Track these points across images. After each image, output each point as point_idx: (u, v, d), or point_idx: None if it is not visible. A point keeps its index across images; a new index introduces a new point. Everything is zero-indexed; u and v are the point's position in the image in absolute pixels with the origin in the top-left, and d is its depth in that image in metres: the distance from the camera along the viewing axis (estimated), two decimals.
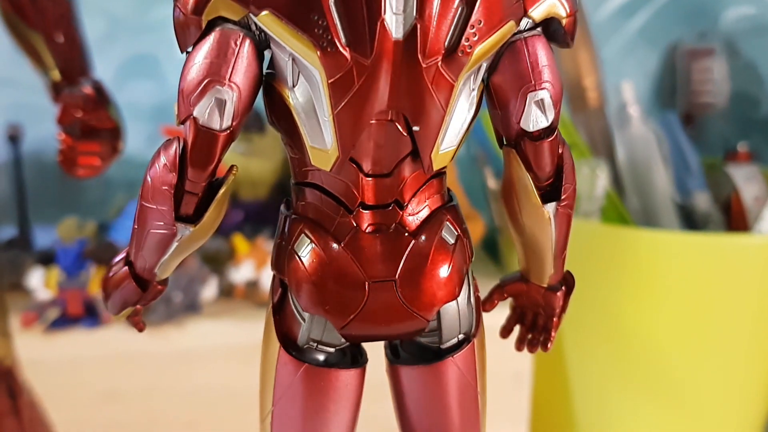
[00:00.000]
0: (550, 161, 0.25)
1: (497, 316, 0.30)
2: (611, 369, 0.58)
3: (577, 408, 0.61)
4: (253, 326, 0.54)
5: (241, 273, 0.57)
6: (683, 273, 0.54)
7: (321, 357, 0.26)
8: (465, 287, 0.26)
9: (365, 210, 0.24)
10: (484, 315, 0.28)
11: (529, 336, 0.30)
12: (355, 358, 0.27)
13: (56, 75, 0.37)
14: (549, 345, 0.29)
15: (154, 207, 0.23)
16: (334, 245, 0.24)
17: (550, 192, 0.25)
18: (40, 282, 0.52)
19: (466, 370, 0.26)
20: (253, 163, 0.61)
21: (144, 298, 0.27)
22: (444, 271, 0.25)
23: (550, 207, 0.25)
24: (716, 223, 0.60)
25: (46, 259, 0.56)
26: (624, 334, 0.56)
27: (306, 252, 0.25)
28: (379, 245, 0.24)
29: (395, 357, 0.27)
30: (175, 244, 0.24)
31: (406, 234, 0.25)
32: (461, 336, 0.26)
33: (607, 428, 0.60)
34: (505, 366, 0.58)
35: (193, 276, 0.54)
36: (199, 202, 0.24)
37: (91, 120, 0.36)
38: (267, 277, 0.57)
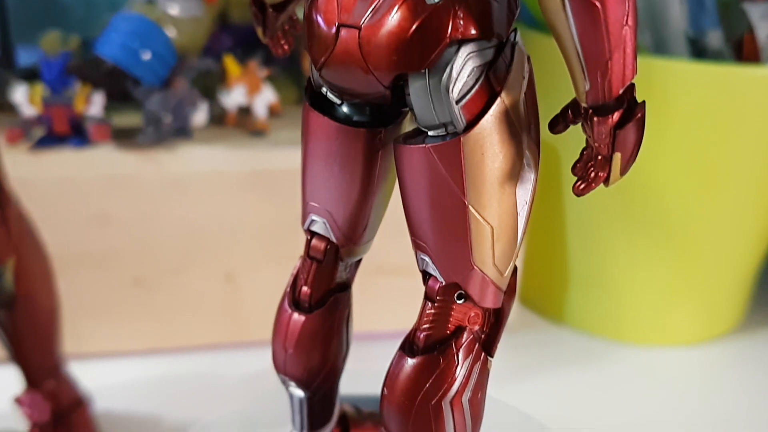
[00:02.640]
0: None
1: None
2: (608, 205, 0.58)
3: (569, 246, 0.61)
4: (245, 154, 0.54)
5: (233, 97, 0.55)
6: (692, 105, 0.52)
7: (342, 109, 0.26)
8: (446, 69, 0.22)
9: None
10: None
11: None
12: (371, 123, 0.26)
13: None
14: (582, 187, 0.24)
15: None
16: None
17: None
18: (24, 97, 0.50)
19: (446, 168, 0.23)
20: None
21: (266, 23, 0.28)
22: (406, 30, 0.22)
23: None
24: (728, 62, 0.58)
25: (30, 76, 0.54)
26: None
27: None
28: None
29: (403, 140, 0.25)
30: None
31: None
32: (448, 129, 0.23)
33: (600, 267, 0.61)
34: None
35: (182, 98, 0.52)
36: None
37: None
38: (260, 104, 0.56)
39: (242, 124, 0.57)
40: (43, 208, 0.51)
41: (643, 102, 0.23)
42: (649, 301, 0.60)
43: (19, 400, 0.41)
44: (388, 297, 0.56)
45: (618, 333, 0.62)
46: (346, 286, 0.30)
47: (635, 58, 0.22)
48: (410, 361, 0.25)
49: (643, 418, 0.53)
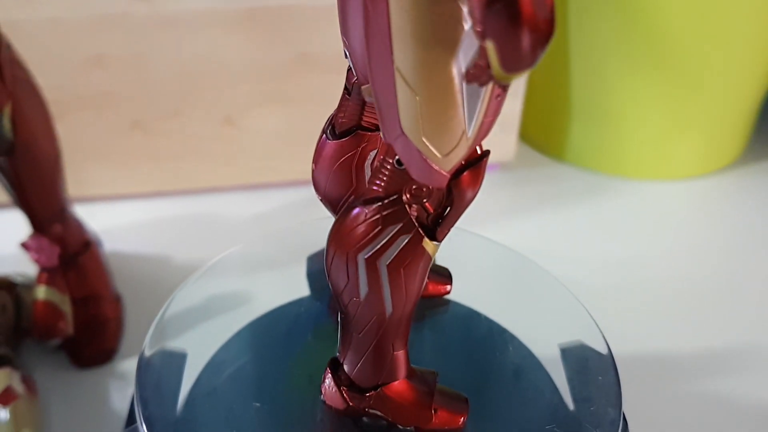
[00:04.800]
0: None
1: None
2: (612, 40, 0.56)
3: (572, 82, 0.60)
4: None
5: None
6: None
7: None
8: None
9: None
10: None
11: None
12: None
13: None
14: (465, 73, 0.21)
15: None
16: None
17: None
18: None
19: (376, 18, 0.21)
20: None
21: None
22: None
23: None
24: None
25: None
26: (630, 2, 0.54)
27: None
28: None
29: None
30: None
31: None
32: None
33: (602, 103, 0.60)
34: None
35: None
36: None
37: None
38: None
39: None
40: (37, 51, 0.50)
41: None
42: (651, 134, 0.60)
43: (25, 245, 0.42)
44: None
45: (620, 168, 0.62)
46: (378, 128, 0.30)
47: None
48: (349, 208, 0.26)
49: (646, 250, 0.55)
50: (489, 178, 0.61)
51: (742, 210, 0.59)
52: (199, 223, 0.55)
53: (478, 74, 0.20)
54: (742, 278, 0.52)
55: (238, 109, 0.55)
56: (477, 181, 0.25)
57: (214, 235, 0.54)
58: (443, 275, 0.37)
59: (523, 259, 0.38)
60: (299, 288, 0.37)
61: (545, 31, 0.18)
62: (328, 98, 0.56)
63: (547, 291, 0.37)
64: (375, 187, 0.26)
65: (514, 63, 0.19)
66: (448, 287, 0.36)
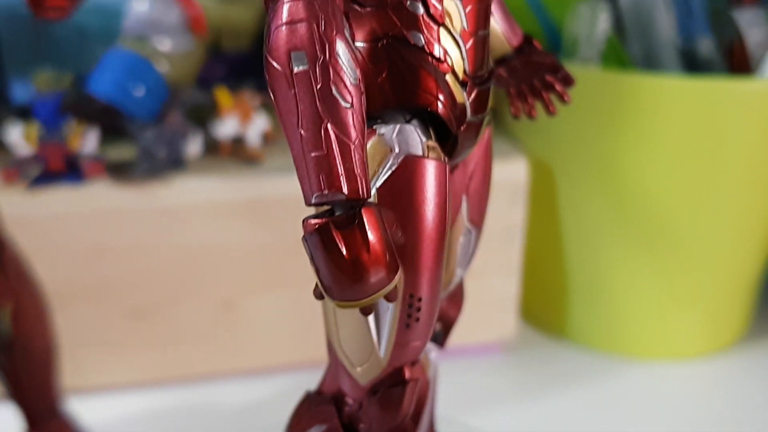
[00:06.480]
0: None
1: None
2: (606, 220, 0.57)
3: (569, 261, 0.61)
4: (239, 183, 0.54)
5: (225, 128, 0.55)
6: (684, 120, 0.52)
7: None
8: None
9: None
10: None
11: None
12: None
13: None
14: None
15: None
16: None
17: None
18: (19, 137, 0.51)
19: None
20: (233, 10, 0.58)
21: None
22: None
23: None
24: (719, 70, 0.58)
25: (24, 113, 0.54)
26: (621, 185, 0.55)
27: None
28: None
29: None
30: None
31: None
32: None
33: (600, 281, 0.60)
34: (497, 220, 0.58)
35: (175, 130, 0.53)
36: None
37: None
38: (253, 133, 0.56)
39: (237, 153, 0.57)
40: (40, 244, 0.51)
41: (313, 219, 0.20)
42: (650, 314, 0.60)
43: None
44: None
45: (621, 348, 0.62)
46: None
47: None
48: (306, 394, 0.27)
49: None
50: (490, 360, 0.61)
51: (747, 393, 0.58)
52: (195, 414, 0.54)
53: (320, 294, 0.20)
54: None
55: (238, 294, 0.56)
56: (392, 405, 0.23)
57: (213, 426, 0.53)
58: None
59: None
60: None
61: (360, 272, 0.18)
62: None
63: None
64: (323, 381, 0.26)
65: (334, 292, 0.19)
66: None
